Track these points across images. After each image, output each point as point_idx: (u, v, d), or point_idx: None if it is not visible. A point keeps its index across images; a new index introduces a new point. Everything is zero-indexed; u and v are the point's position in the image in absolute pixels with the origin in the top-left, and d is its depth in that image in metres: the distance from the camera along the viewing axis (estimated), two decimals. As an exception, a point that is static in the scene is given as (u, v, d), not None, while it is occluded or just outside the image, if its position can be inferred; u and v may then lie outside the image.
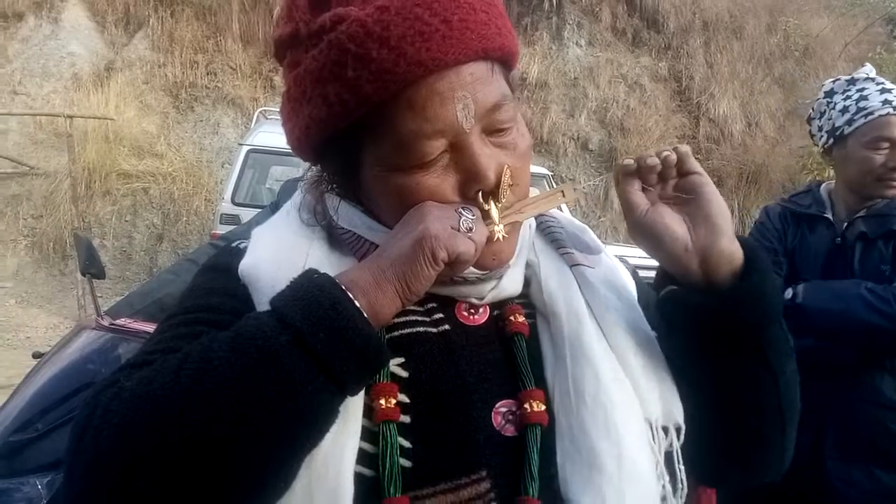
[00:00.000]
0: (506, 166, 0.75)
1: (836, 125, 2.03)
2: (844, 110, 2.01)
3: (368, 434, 0.71)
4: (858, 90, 2.02)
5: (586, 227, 0.95)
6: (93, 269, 2.45)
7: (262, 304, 0.70)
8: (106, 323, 2.33)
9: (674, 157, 0.77)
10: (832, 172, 2.22)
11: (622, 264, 0.92)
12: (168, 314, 0.80)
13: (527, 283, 0.85)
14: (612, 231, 9.94)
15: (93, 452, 0.62)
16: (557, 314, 0.80)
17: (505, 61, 0.78)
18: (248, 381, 0.61)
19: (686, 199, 0.78)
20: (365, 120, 0.72)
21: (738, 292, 0.75)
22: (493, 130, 0.75)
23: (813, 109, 2.18)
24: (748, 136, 11.07)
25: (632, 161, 0.79)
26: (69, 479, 0.64)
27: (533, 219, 0.89)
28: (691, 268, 0.77)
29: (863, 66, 2.12)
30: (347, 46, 0.69)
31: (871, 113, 1.96)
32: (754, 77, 11.44)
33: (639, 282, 0.90)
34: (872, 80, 2.04)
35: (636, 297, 0.86)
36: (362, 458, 0.69)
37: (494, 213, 0.74)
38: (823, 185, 2.21)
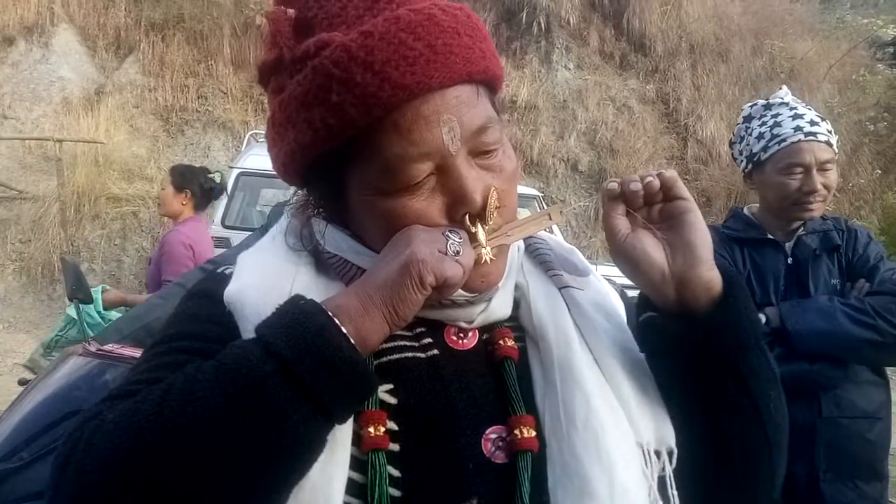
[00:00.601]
0: (492, 188, 0.74)
1: (754, 151, 2.07)
2: (760, 137, 2.06)
3: (357, 463, 0.69)
4: (773, 115, 2.06)
5: (574, 248, 0.94)
6: (80, 293, 2.44)
7: (248, 331, 0.69)
8: (93, 349, 2.30)
9: (656, 183, 0.76)
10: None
11: (611, 286, 0.91)
12: (152, 342, 0.79)
13: (516, 305, 0.84)
14: (602, 251, 9.95)
15: (75, 486, 0.61)
16: (547, 338, 0.80)
17: (490, 84, 0.78)
18: (233, 411, 0.60)
19: (668, 225, 0.78)
20: (350, 144, 0.72)
21: (715, 320, 0.74)
22: (479, 153, 0.75)
23: (734, 134, 2.22)
24: (736, 156, 11.18)
25: (616, 185, 0.78)
26: None
27: (521, 241, 0.88)
28: (668, 294, 0.76)
29: (779, 89, 2.17)
30: (332, 71, 0.69)
31: (783, 140, 2.00)
32: (741, 99, 11.55)
33: (627, 303, 0.90)
34: (787, 104, 2.08)
35: (625, 319, 0.85)
36: (351, 487, 0.68)
37: (482, 235, 0.74)
38: (745, 208, 2.24)
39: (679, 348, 0.75)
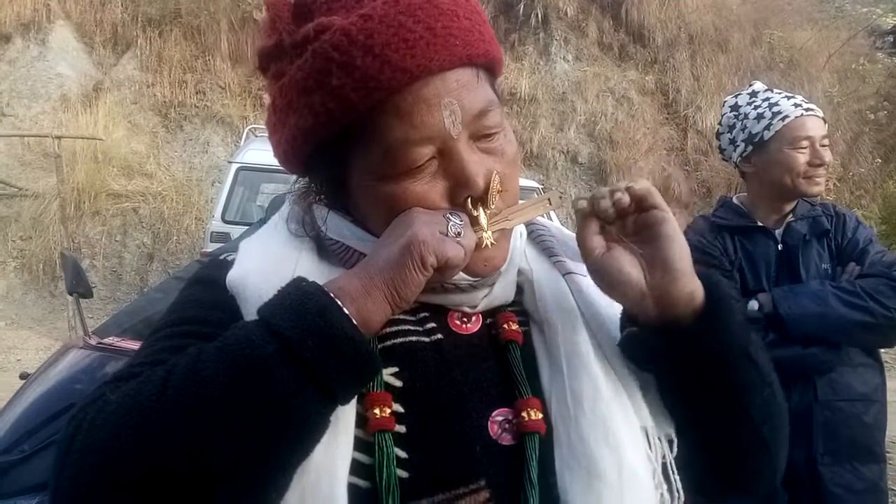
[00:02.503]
0: (494, 172, 0.74)
1: (754, 132, 2.09)
2: (759, 117, 2.08)
3: (363, 444, 0.70)
4: (764, 99, 2.11)
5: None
6: (80, 288, 2.44)
7: (250, 315, 0.69)
8: (93, 342, 2.31)
9: (626, 199, 0.73)
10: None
11: None
12: (154, 328, 0.79)
13: (519, 290, 0.85)
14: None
15: (79, 468, 0.61)
16: (551, 322, 0.80)
17: (490, 67, 0.78)
18: (236, 391, 0.60)
19: (644, 237, 0.74)
20: (351, 129, 0.72)
21: (698, 333, 0.72)
22: (480, 136, 0.75)
23: (721, 125, 2.23)
24: (736, 147, 11.16)
25: (585, 202, 0.76)
26: (55, 495, 0.63)
27: (524, 226, 0.88)
28: (647, 311, 0.73)
29: (753, 83, 2.23)
30: (331, 55, 0.69)
31: (787, 116, 2.04)
32: (740, 89, 11.54)
33: None
34: (771, 90, 2.14)
35: None
36: (357, 468, 0.68)
37: (483, 219, 0.74)
38: (734, 197, 2.27)
39: (663, 362, 0.74)
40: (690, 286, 0.72)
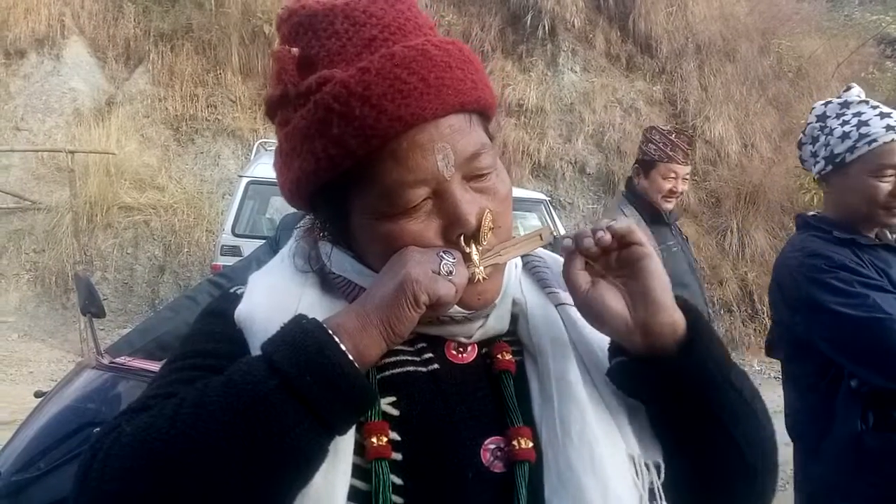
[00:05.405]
0: (486, 210, 0.78)
1: (836, 152, 1.91)
2: (844, 136, 1.89)
3: (360, 472, 0.73)
4: (855, 114, 1.90)
5: None
6: (93, 308, 2.49)
7: (257, 348, 0.73)
8: (106, 361, 2.35)
9: (607, 238, 0.78)
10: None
11: None
12: (169, 359, 0.85)
13: (514, 320, 0.88)
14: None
15: (96, 494, 0.66)
16: (543, 352, 0.83)
17: (482, 112, 0.82)
18: (240, 425, 0.65)
19: (627, 272, 0.79)
20: (351, 172, 0.76)
21: (682, 363, 0.75)
22: (473, 177, 0.79)
23: (804, 134, 2.05)
24: (744, 156, 11.10)
25: (570, 241, 0.81)
26: None
27: (519, 258, 0.92)
28: (634, 342, 0.77)
29: (850, 87, 2.01)
30: (332, 105, 0.73)
31: (874, 140, 1.84)
32: (749, 98, 11.50)
33: None
34: (867, 102, 1.92)
35: None
36: (355, 495, 0.72)
37: (475, 255, 0.77)
38: (814, 214, 2.10)
39: (651, 391, 0.78)
40: (672, 318, 0.76)
